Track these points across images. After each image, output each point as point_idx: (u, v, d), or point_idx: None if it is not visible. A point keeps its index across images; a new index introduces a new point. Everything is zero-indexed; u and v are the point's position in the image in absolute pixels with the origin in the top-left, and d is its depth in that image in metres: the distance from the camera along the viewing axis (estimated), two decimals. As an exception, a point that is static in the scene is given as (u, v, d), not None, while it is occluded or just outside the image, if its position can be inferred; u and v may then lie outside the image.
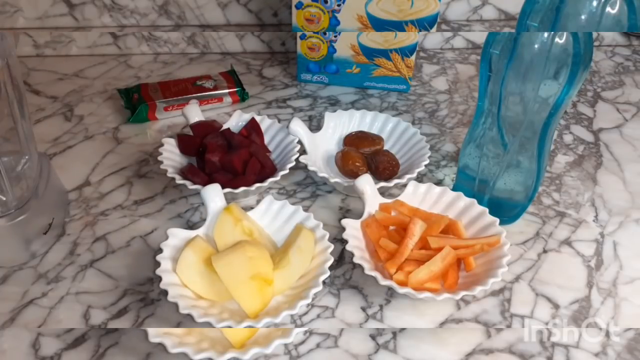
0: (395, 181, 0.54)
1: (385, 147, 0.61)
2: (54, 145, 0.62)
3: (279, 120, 0.64)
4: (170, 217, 0.54)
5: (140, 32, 0.78)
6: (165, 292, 0.41)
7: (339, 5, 0.65)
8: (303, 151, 0.57)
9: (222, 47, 0.80)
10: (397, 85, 0.72)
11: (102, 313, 0.45)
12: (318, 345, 0.43)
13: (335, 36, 0.68)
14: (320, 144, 0.60)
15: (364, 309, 0.46)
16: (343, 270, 0.49)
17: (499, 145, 0.49)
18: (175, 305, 0.40)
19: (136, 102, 0.66)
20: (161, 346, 0.38)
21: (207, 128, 0.58)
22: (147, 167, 0.60)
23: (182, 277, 0.44)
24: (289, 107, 0.70)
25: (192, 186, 0.51)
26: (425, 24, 0.65)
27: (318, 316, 0.45)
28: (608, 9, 0.40)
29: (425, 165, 0.55)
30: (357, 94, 0.72)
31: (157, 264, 0.43)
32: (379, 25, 0.66)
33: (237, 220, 0.47)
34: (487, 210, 0.49)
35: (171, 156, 0.56)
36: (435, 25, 0.65)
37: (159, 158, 0.54)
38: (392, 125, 0.61)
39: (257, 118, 0.60)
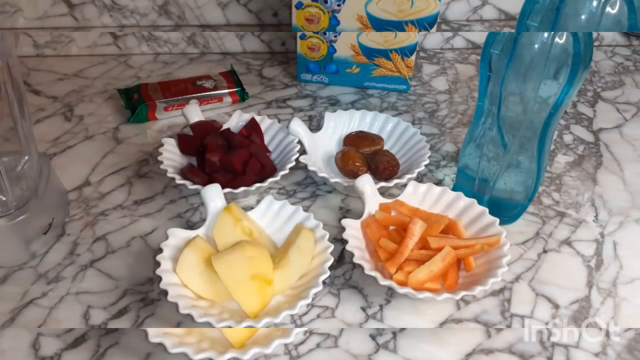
0: (395, 181, 0.54)
1: (385, 147, 0.61)
2: (54, 145, 0.62)
3: (279, 120, 0.64)
4: (170, 217, 0.54)
5: (140, 32, 0.78)
6: (165, 292, 0.41)
7: (339, 5, 0.65)
8: (303, 151, 0.57)
9: (222, 47, 0.80)
10: (397, 85, 0.72)
11: (102, 313, 0.45)
12: (318, 345, 0.43)
13: (335, 36, 0.68)
14: (320, 144, 0.60)
15: (364, 309, 0.46)
16: (343, 270, 0.49)
17: (499, 145, 0.49)
18: (175, 305, 0.40)
19: (136, 102, 0.66)
20: (161, 346, 0.38)
21: (207, 128, 0.58)
22: (147, 167, 0.60)
23: (182, 277, 0.44)
24: (289, 107, 0.70)
25: (192, 186, 0.51)
26: (425, 24, 0.65)
27: (318, 316, 0.45)
28: (608, 9, 0.40)
29: (425, 165, 0.55)
30: (357, 94, 0.72)
31: (157, 264, 0.43)
32: (379, 25, 0.66)
33: (237, 220, 0.47)
34: (487, 210, 0.49)
35: (171, 156, 0.56)
36: (435, 25, 0.65)
37: (159, 158, 0.54)
38: (392, 125, 0.61)
39: (257, 118, 0.60)
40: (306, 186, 0.58)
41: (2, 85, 0.43)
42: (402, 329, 0.45)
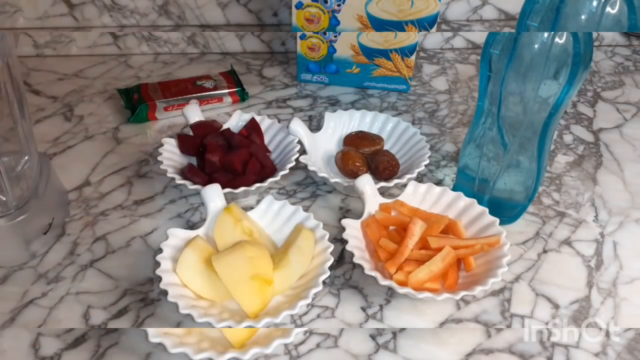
0: (395, 181, 0.54)
1: (385, 147, 0.61)
2: (54, 145, 0.62)
3: (279, 120, 0.64)
4: (170, 217, 0.54)
5: (140, 32, 0.78)
6: (165, 292, 0.41)
7: (339, 5, 0.65)
8: (303, 151, 0.57)
9: (222, 47, 0.80)
10: (397, 85, 0.72)
11: (102, 313, 0.45)
12: (318, 345, 0.43)
13: (335, 36, 0.68)
14: (320, 144, 0.60)
15: (364, 309, 0.46)
16: (343, 270, 0.49)
17: (499, 145, 0.49)
18: (175, 305, 0.40)
19: (136, 102, 0.66)
20: (161, 346, 0.38)
21: (207, 128, 0.58)
22: (147, 167, 0.60)
23: (182, 277, 0.44)
24: (289, 107, 0.70)
25: (192, 186, 0.51)
26: (425, 24, 0.65)
27: (318, 316, 0.45)
28: (608, 9, 0.40)
29: (425, 165, 0.55)
30: (357, 94, 0.72)
31: (157, 264, 0.43)
32: (379, 25, 0.66)
33: (237, 220, 0.47)
34: (487, 210, 0.49)
35: (171, 156, 0.56)
36: (435, 25, 0.65)
37: (159, 158, 0.54)
38: (392, 125, 0.61)
39: (257, 118, 0.60)
40: (306, 186, 0.58)
41: (2, 85, 0.43)
42: (402, 329, 0.45)
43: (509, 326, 0.45)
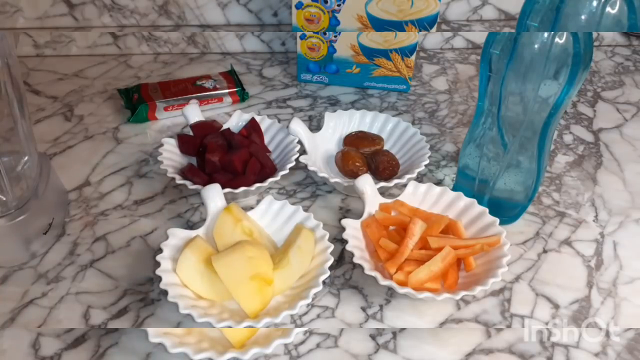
0: (395, 181, 0.54)
1: (385, 147, 0.61)
2: (54, 145, 0.62)
3: (279, 120, 0.64)
4: (170, 217, 0.54)
5: (140, 32, 0.78)
6: (165, 292, 0.41)
7: (339, 5, 0.65)
8: (303, 151, 0.57)
9: (222, 47, 0.80)
10: (397, 85, 0.72)
11: (102, 313, 0.45)
12: (318, 345, 0.43)
13: (335, 36, 0.68)
14: (320, 144, 0.60)
15: (364, 309, 0.46)
16: (343, 270, 0.49)
17: (499, 145, 0.49)
18: (175, 305, 0.40)
19: (136, 102, 0.66)
20: (161, 346, 0.38)
21: (207, 128, 0.58)
22: (147, 167, 0.60)
23: (182, 277, 0.44)
24: (289, 107, 0.70)
25: (192, 186, 0.51)
26: (425, 24, 0.65)
27: (318, 316, 0.45)
28: (608, 9, 0.40)
29: (425, 165, 0.55)
30: (357, 94, 0.72)
31: (157, 264, 0.43)
32: (379, 25, 0.66)
33: (237, 220, 0.47)
34: (487, 210, 0.49)
35: (171, 156, 0.56)
36: (435, 25, 0.65)
37: (159, 158, 0.54)
38: (392, 125, 0.61)
39: (257, 118, 0.60)
40: (306, 186, 0.58)
41: (2, 85, 0.43)
42: (402, 329, 0.45)
43: (509, 326, 0.45)
